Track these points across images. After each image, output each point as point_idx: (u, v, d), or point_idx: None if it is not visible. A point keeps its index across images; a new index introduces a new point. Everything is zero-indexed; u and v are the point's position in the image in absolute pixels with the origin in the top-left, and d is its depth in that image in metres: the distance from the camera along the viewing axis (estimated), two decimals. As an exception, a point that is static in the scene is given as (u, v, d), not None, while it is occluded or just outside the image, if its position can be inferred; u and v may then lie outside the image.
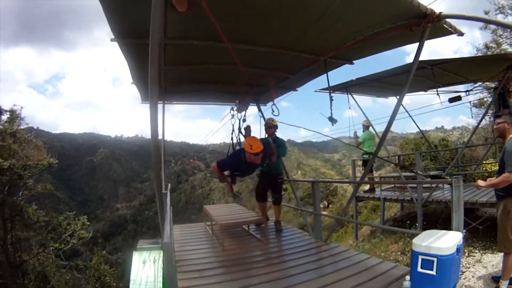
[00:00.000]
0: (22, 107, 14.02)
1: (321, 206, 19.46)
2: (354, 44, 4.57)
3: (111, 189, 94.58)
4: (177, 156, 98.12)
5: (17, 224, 12.24)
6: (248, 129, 7.06)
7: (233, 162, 5.74)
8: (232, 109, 7.41)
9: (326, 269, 4.66)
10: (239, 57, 4.52)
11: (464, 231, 4.07)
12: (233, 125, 7.36)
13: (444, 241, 3.27)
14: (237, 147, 7.16)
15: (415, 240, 3.41)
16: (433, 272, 3.15)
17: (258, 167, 6.09)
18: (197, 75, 5.90)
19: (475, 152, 14.30)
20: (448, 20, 3.69)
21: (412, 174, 10.23)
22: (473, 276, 5.37)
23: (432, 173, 11.18)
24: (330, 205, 29.45)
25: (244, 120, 7.28)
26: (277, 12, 3.72)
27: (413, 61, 4.32)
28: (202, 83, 6.45)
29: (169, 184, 6.63)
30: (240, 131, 7.33)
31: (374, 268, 4.51)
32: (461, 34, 4.00)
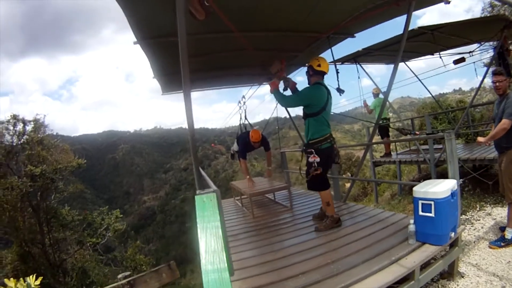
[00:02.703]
0: (45, 115, 14.35)
1: (345, 176, 19.85)
2: (352, 20, 4.98)
3: (136, 183, 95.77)
4: (198, 142, 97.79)
5: (53, 226, 12.57)
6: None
7: (245, 148, 7.79)
8: (239, 102, 8.71)
9: (345, 223, 5.17)
10: (252, 43, 5.08)
11: (462, 180, 4.56)
12: (240, 114, 8.79)
13: (440, 187, 3.75)
14: (244, 130, 8.74)
15: (415, 188, 3.94)
16: (431, 214, 3.67)
17: (256, 149, 7.95)
18: (214, 63, 6.27)
19: (491, 112, 14.47)
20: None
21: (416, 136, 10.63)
22: (482, 227, 5.74)
23: (427, 132, 11.49)
24: (353, 175, 29.63)
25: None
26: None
27: (403, 31, 4.89)
28: (219, 69, 6.87)
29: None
30: (246, 119, 8.81)
31: (386, 219, 5.03)
32: (447, 2, 4.45)
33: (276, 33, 5.19)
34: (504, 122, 4.38)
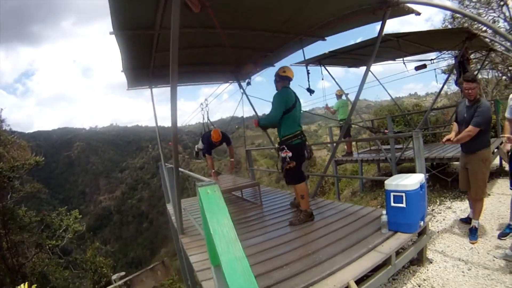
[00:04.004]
0: (2, 109, 14.01)
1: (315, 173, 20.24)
2: (326, 24, 5.31)
3: (92, 182, 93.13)
4: (154, 141, 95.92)
5: (10, 228, 11.79)
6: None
7: (209, 146, 8.56)
8: (202, 104, 9.39)
9: (317, 217, 5.40)
10: (229, 40, 5.21)
11: (427, 175, 4.89)
12: (203, 115, 9.50)
13: (410, 180, 4.08)
14: (207, 129, 9.38)
15: (387, 181, 4.25)
16: (403, 205, 4.00)
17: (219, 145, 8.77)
18: (188, 58, 6.30)
19: (447, 116, 15.17)
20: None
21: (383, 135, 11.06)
22: (444, 219, 6.26)
23: (396, 130, 12.09)
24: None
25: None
26: (265, 2, 4.33)
27: (377, 37, 5.13)
28: (192, 65, 6.96)
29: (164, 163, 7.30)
30: (208, 120, 9.58)
31: (356, 213, 5.32)
32: (418, 14, 4.72)
33: (255, 32, 5.40)
34: (471, 129, 4.62)
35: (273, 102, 5.29)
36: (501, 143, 7.39)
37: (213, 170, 8.78)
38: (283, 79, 5.44)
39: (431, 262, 4.55)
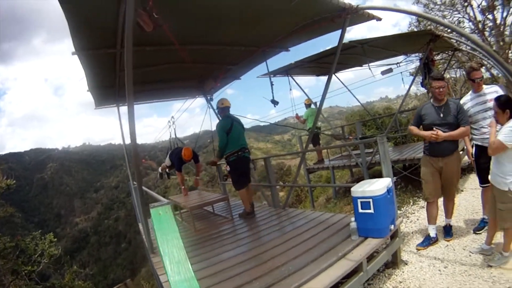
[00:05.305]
0: None
1: (277, 187, 20.36)
2: (288, 35, 5.31)
3: (67, 204, 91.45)
4: (127, 158, 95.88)
5: None
6: None
7: (180, 163, 8.41)
8: (169, 121, 9.76)
9: (287, 228, 5.41)
10: (191, 56, 5.19)
11: (395, 178, 4.86)
12: (170, 132, 9.83)
13: (376, 186, 4.07)
14: (175, 146, 9.61)
15: (353, 189, 4.24)
16: (371, 211, 3.97)
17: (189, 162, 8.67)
18: (151, 76, 6.26)
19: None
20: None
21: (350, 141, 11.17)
22: (417, 219, 6.33)
23: (360, 136, 12.24)
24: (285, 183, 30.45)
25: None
26: (225, 15, 4.30)
27: (337, 46, 5.14)
28: (156, 82, 6.88)
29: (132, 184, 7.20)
30: (176, 137, 9.94)
31: (327, 220, 5.30)
32: (379, 19, 4.76)
33: (215, 47, 5.39)
34: (467, 129, 4.56)
35: (217, 132, 6.65)
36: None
37: (183, 187, 8.77)
38: (223, 110, 6.88)
39: (407, 264, 4.55)
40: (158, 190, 74.12)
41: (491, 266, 3.98)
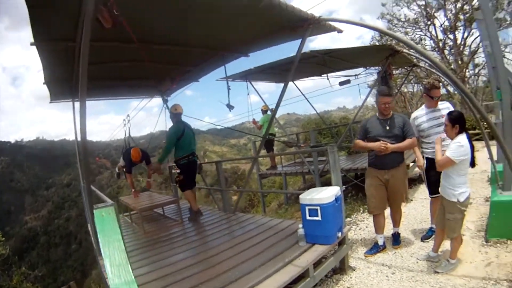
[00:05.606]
0: None
1: (231, 191, 20.46)
2: (249, 41, 5.39)
3: (17, 201, 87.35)
4: (81, 156, 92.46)
5: None
6: None
7: (130, 164, 8.46)
8: (124, 120, 9.67)
9: (236, 233, 5.48)
10: (149, 55, 5.13)
11: (345, 187, 4.99)
12: (125, 131, 9.72)
13: (324, 194, 4.17)
14: (129, 146, 9.49)
15: (301, 196, 4.34)
16: (318, 218, 4.06)
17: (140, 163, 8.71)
18: (109, 72, 6.16)
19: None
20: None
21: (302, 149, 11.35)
22: (366, 227, 6.45)
23: (312, 144, 12.53)
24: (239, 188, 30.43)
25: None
26: (186, 17, 4.30)
27: (296, 55, 5.21)
28: (114, 79, 6.81)
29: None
30: (130, 136, 9.87)
31: (276, 226, 5.38)
32: (340, 31, 4.89)
33: (175, 47, 5.35)
34: (414, 140, 4.71)
35: (166, 136, 7.04)
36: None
37: (133, 190, 8.72)
38: (175, 116, 7.07)
39: (354, 270, 4.66)
40: (111, 190, 72.16)
41: (438, 272, 4.14)
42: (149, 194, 9.03)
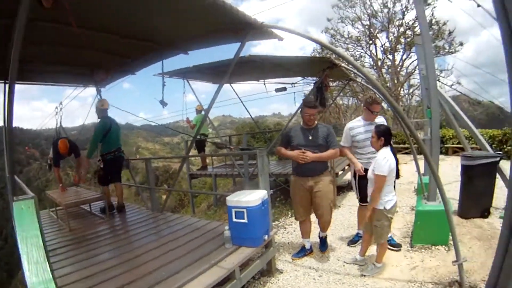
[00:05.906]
0: None
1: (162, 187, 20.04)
2: (190, 39, 5.34)
3: None
4: (7, 144, 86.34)
5: None
6: None
7: (58, 156, 7.94)
8: (56, 108, 9.22)
9: (163, 233, 5.43)
10: (89, 41, 4.95)
11: (273, 191, 5.13)
12: (57, 119, 9.24)
13: (251, 197, 4.25)
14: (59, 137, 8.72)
15: (228, 198, 4.39)
16: (245, 220, 4.15)
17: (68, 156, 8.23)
18: (42, 55, 5.83)
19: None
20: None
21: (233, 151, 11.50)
22: (294, 231, 6.65)
23: (241, 147, 12.83)
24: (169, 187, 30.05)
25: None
26: (128, 4, 4.12)
27: (233, 58, 5.20)
28: (49, 64, 6.44)
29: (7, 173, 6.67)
30: (61, 126, 9.31)
31: (203, 227, 5.42)
32: (281, 39, 4.89)
33: (113, 36, 5.17)
34: (337, 151, 4.85)
35: (94, 132, 6.96)
36: (348, 164, 7.95)
37: (61, 185, 8.12)
38: (102, 111, 7.16)
39: (282, 272, 4.79)
40: (39, 182, 68.30)
41: (364, 276, 4.37)
42: (76, 189, 8.60)
